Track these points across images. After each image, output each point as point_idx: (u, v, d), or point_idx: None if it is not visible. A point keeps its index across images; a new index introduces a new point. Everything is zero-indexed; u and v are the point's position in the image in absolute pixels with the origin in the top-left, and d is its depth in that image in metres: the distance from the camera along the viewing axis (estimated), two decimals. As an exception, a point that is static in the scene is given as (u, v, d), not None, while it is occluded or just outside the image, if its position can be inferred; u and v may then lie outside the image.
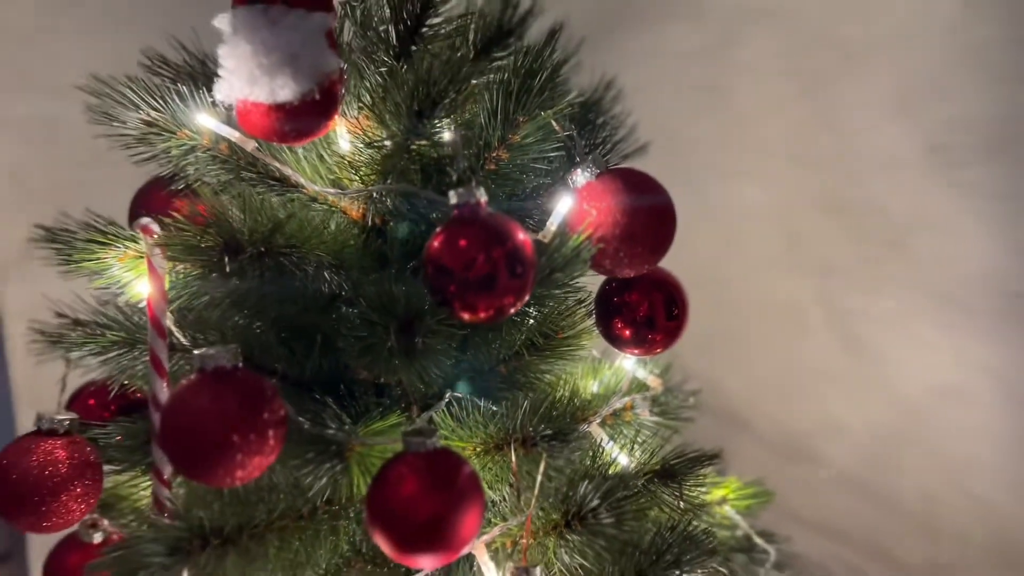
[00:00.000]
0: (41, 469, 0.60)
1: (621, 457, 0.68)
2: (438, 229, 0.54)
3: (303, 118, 0.57)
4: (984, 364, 0.95)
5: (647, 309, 0.64)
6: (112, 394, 0.71)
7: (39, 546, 1.18)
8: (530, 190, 0.60)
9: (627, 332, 0.65)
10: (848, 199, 1.02)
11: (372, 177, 0.61)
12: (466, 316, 0.53)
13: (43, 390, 1.13)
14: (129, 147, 0.61)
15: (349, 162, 0.61)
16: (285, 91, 0.56)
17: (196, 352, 0.52)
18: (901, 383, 1.01)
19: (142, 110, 0.59)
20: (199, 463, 0.51)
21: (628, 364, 0.72)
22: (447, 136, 0.58)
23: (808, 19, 1.02)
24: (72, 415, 0.63)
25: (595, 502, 0.56)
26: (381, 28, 0.60)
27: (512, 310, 0.53)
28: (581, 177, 0.58)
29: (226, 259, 0.53)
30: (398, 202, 0.59)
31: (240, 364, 0.52)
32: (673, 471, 0.62)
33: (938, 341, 0.97)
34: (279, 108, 0.56)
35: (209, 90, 0.62)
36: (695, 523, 0.59)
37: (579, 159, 0.58)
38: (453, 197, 0.54)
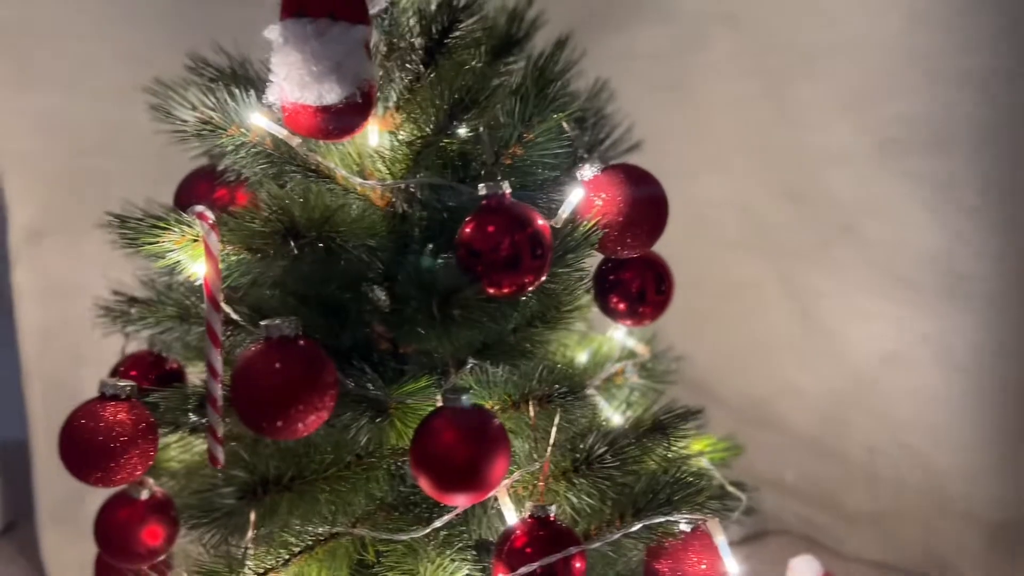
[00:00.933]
0: (109, 430, 0.68)
1: (615, 415, 0.78)
2: (469, 216, 0.63)
3: (346, 118, 0.65)
4: (923, 334, 1.06)
5: (639, 285, 0.74)
6: (152, 365, 0.80)
7: (47, 514, 1.23)
8: (540, 182, 0.69)
9: (622, 305, 0.75)
10: (804, 188, 1.12)
11: (400, 168, 0.69)
12: (493, 291, 0.62)
13: (52, 366, 1.20)
14: (184, 141, 0.68)
15: (380, 155, 0.69)
16: (331, 95, 0.64)
17: (263, 323, 0.60)
18: (851, 352, 1.13)
19: (199, 110, 0.66)
20: (269, 419, 0.59)
21: (619, 335, 0.82)
22: (473, 133, 0.66)
23: (768, 24, 1.12)
24: (131, 382, 0.70)
25: (601, 449, 0.66)
26: (410, 39, 0.68)
27: (532, 287, 0.62)
28: (588, 171, 0.67)
29: (290, 243, 0.61)
30: (426, 192, 0.67)
31: (300, 333, 0.61)
32: (663, 425, 0.72)
33: (884, 314, 1.08)
34: (325, 109, 0.64)
35: (251, 91, 0.69)
36: (684, 469, 0.69)
37: (585, 155, 0.67)
38: (482, 189, 0.63)
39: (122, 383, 0.70)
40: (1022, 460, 1.06)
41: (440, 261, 0.69)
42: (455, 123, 0.64)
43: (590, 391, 0.75)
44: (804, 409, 1.19)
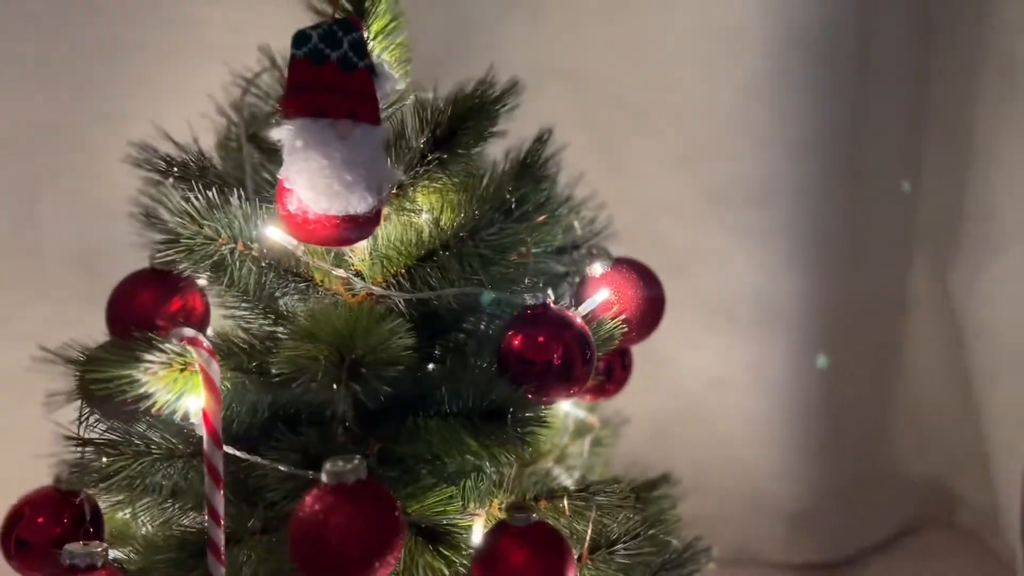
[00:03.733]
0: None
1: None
2: (514, 326, 0.62)
3: (368, 226, 0.61)
4: (744, 360, 1.22)
5: (607, 362, 0.78)
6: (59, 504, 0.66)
7: None
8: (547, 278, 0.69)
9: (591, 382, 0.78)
10: (635, 234, 1.23)
11: (402, 264, 0.65)
12: (545, 399, 0.62)
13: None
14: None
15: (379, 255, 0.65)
16: (361, 204, 0.59)
17: (327, 468, 0.54)
18: (681, 378, 1.26)
19: (200, 221, 0.57)
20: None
21: (566, 407, 0.84)
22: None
23: (599, 83, 1.20)
24: (100, 543, 0.59)
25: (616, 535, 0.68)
26: (417, 139, 0.64)
27: (579, 392, 0.63)
28: (598, 267, 0.69)
29: (343, 372, 0.55)
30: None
31: (366, 476, 0.55)
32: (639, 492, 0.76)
33: (709, 344, 1.22)
34: (351, 219, 0.59)
35: (231, 192, 0.61)
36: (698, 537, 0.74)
37: (594, 253, 0.69)
38: (528, 299, 0.62)
39: (94, 547, 0.58)
40: (815, 464, 1.27)
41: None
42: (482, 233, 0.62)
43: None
44: (635, 430, 1.31)
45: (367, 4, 0.65)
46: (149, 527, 0.64)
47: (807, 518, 1.29)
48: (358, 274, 0.65)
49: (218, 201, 0.59)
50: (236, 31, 0.97)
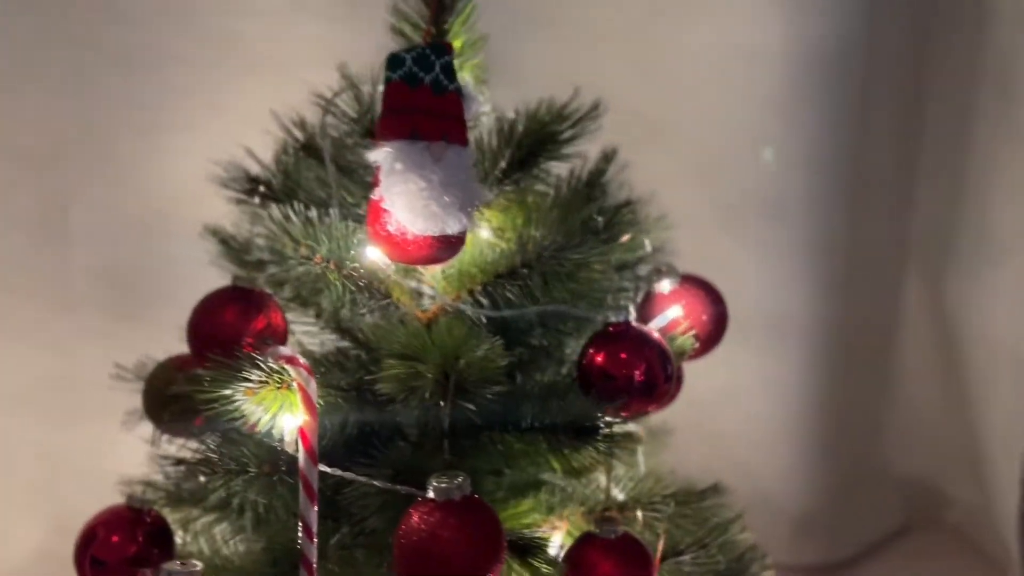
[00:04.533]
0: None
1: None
2: (596, 343, 0.64)
3: (460, 245, 0.62)
4: (753, 369, 1.26)
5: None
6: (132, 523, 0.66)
7: None
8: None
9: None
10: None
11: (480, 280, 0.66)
12: (626, 414, 0.64)
13: None
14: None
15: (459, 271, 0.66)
16: (456, 225, 0.60)
17: (434, 484, 0.55)
18: (691, 387, 1.29)
19: (302, 244, 0.57)
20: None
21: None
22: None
23: (616, 96, 1.22)
24: (198, 564, 0.59)
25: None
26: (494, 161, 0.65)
27: (663, 405, 0.65)
28: (666, 284, 0.72)
29: (449, 390, 0.56)
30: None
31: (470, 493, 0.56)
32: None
33: (721, 355, 1.25)
34: (444, 239, 0.61)
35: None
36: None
37: (663, 270, 0.72)
38: (611, 316, 0.64)
39: (191, 567, 0.58)
40: (818, 468, 1.31)
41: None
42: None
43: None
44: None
45: (447, 26, 0.66)
46: (231, 545, 0.64)
47: (810, 521, 1.33)
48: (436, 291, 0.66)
49: (312, 220, 0.59)
50: (271, 43, 0.97)
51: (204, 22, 0.94)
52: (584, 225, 0.65)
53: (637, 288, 0.74)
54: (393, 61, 0.61)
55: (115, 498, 0.68)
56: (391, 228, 0.59)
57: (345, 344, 0.71)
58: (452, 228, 0.60)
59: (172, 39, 0.94)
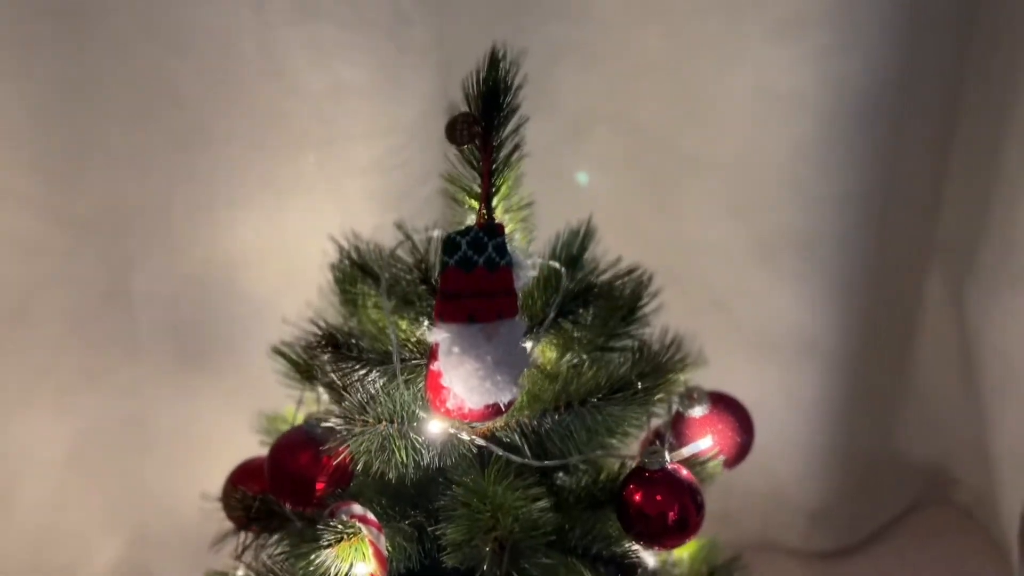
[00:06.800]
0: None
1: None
2: (634, 481, 0.70)
3: (511, 406, 0.68)
4: (781, 386, 1.32)
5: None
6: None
7: None
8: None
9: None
10: (679, 272, 1.29)
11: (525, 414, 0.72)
12: (660, 548, 0.71)
13: None
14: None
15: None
16: (508, 396, 0.66)
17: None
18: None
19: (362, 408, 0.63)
20: None
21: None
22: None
23: (650, 128, 1.24)
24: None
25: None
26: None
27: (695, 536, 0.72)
28: (697, 409, 0.77)
29: (504, 556, 0.63)
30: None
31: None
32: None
33: (750, 372, 1.32)
34: (496, 407, 0.66)
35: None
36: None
37: (695, 396, 0.77)
38: (653, 464, 0.70)
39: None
40: (835, 467, 1.39)
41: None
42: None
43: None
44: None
45: (495, 177, 0.69)
46: None
47: (822, 511, 1.42)
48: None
49: (375, 390, 0.65)
50: (323, 123, 0.99)
51: (253, 102, 0.97)
52: (625, 383, 0.70)
53: (670, 409, 0.79)
54: (450, 246, 0.65)
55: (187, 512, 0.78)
56: (450, 404, 0.65)
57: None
58: (505, 399, 0.65)
59: (227, 120, 0.97)
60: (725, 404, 0.79)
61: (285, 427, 0.82)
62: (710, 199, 1.23)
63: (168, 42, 0.94)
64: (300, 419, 0.79)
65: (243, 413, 0.90)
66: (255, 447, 0.85)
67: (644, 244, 1.30)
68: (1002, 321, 1.28)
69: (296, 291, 0.83)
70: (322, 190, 1.03)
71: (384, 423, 0.66)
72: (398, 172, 1.07)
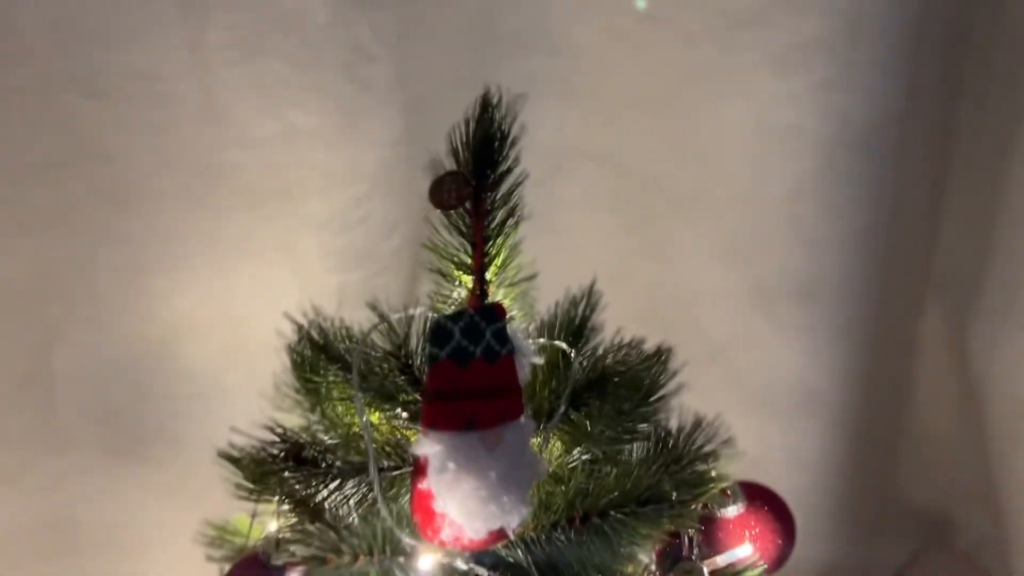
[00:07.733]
0: None
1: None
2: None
3: (518, 529, 0.56)
4: (778, 442, 1.22)
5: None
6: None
7: None
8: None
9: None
10: (672, 321, 1.19)
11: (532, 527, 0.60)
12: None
13: None
14: None
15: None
16: (516, 519, 0.54)
17: None
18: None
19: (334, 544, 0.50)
20: None
21: None
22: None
23: (635, 167, 1.14)
24: None
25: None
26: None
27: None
28: (732, 509, 0.66)
29: None
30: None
31: None
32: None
33: (750, 428, 1.21)
34: (502, 532, 0.54)
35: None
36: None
37: (729, 494, 0.65)
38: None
39: None
40: (840, 523, 1.30)
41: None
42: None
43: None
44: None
45: (489, 246, 0.58)
46: None
47: (828, 568, 1.33)
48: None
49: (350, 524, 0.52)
50: (272, 174, 0.87)
51: (191, 153, 0.84)
52: (655, 490, 0.58)
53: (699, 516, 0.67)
54: (439, 336, 0.52)
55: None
56: (446, 534, 0.52)
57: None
58: (513, 522, 0.53)
59: (157, 172, 0.84)
60: (762, 498, 0.68)
61: (238, 541, 0.68)
62: (703, 242, 1.13)
63: (88, 87, 0.81)
64: (255, 534, 0.66)
65: (185, 511, 0.77)
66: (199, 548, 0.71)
67: (634, 291, 1.20)
68: (1010, 362, 1.20)
69: (244, 368, 0.71)
70: (273, 250, 0.90)
71: (362, 557, 0.53)
72: (360, 226, 0.94)
